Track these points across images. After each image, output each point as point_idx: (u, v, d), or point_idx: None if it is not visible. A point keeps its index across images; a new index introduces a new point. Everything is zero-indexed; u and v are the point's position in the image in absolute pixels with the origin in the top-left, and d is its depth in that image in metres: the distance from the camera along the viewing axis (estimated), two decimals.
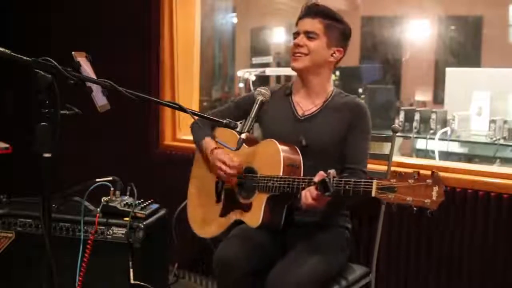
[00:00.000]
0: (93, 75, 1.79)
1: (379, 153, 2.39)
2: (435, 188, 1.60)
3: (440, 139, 4.15)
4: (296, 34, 2.18)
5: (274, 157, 2.04)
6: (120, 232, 2.45)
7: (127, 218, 2.46)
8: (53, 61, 1.52)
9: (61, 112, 1.55)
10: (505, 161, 3.90)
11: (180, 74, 3.45)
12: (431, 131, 4.24)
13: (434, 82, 7.95)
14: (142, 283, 2.40)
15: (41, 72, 1.50)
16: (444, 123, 4.25)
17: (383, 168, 2.34)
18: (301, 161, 2.07)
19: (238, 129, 1.94)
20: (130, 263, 2.41)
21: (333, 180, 1.79)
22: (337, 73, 5.04)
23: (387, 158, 2.31)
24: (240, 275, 1.97)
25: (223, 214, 2.24)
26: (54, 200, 2.52)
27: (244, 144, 2.13)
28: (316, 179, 1.84)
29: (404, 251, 2.49)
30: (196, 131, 2.38)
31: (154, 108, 3.40)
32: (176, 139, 3.45)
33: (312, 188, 1.85)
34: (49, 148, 1.52)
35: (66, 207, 2.57)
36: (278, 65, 7.31)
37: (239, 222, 2.16)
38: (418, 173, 1.64)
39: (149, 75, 3.41)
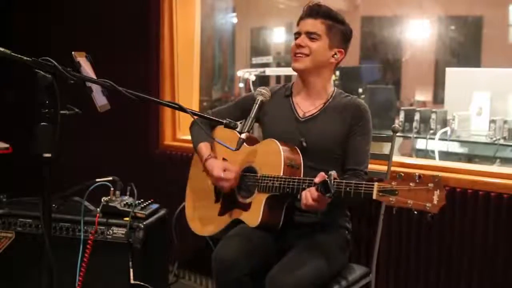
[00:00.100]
0: (93, 75, 1.79)
1: (379, 153, 2.39)
2: (436, 192, 1.60)
3: (440, 139, 4.14)
4: (297, 34, 2.17)
5: (275, 157, 2.04)
6: (120, 232, 2.45)
7: (127, 218, 2.46)
8: (53, 61, 1.52)
9: (61, 112, 1.55)
10: (505, 161, 3.90)
11: (180, 74, 3.45)
12: (431, 131, 4.24)
13: (434, 82, 7.95)
14: (142, 283, 2.40)
15: (41, 72, 1.51)
16: (444, 123, 4.25)
17: (383, 168, 2.34)
18: (302, 162, 2.07)
19: (238, 129, 1.94)
20: (130, 263, 2.41)
21: (334, 182, 1.79)
22: (337, 73, 5.02)
23: (387, 158, 2.31)
24: (238, 275, 1.97)
25: (222, 213, 2.24)
26: (54, 200, 2.52)
27: (244, 143, 2.13)
28: (317, 180, 1.84)
29: (404, 251, 2.49)
30: (194, 134, 2.37)
31: (154, 108, 3.40)
32: (176, 139, 3.45)
33: (313, 189, 1.85)
34: (49, 148, 1.52)
35: (66, 207, 2.58)
36: (278, 65, 7.29)
37: (238, 221, 2.16)
38: (419, 176, 1.64)
39: (149, 75, 3.41)
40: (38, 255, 2.38)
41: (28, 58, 1.52)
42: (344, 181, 1.81)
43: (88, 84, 1.67)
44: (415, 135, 4.36)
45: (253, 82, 5.08)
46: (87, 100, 1.70)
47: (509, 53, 7.25)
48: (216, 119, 1.94)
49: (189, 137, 2.45)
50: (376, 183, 1.72)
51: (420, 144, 4.36)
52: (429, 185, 1.61)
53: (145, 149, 3.46)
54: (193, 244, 3.03)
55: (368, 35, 8.29)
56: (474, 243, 2.33)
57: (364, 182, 1.77)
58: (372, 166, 2.40)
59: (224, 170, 2.15)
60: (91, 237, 2.44)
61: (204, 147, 2.30)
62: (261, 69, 5.36)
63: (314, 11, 2.13)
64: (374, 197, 1.71)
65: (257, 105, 2.06)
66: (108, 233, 2.46)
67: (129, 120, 3.40)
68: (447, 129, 4.14)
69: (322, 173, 1.84)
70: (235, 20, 9.48)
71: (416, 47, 7.82)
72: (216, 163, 2.20)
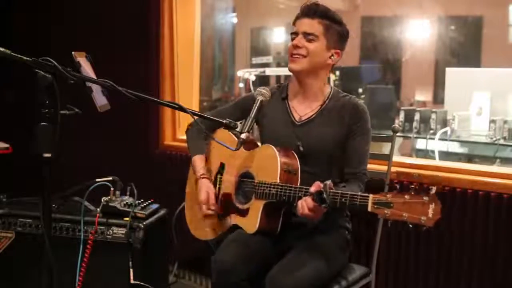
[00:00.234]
0: (93, 75, 1.79)
1: (379, 153, 2.39)
2: (432, 206, 1.58)
3: (440, 139, 4.14)
4: (294, 35, 2.13)
5: (271, 162, 2.02)
6: (120, 232, 2.45)
7: (127, 218, 2.46)
8: (53, 61, 1.52)
9: (61, 112, 1.55)
10: (505, 161, 3.90)
11: (180, 74, 3.45)
12: (431, 131, 4.24)
13: (434, 82, 7.95)
14: (142, 283, 2.40)
15: (41, 72, 1.51)
16: (444, 123, 4.24)
17: (383, 168, 2.34)
18: (299, 167, 2.04)
19: (238, 129, 1.94)
20: (130, 263, 2.41)
21: (329, 192, 1.78)
22: (337, 73, 5.03)
23: (387, 158, 2.31)
24: (236, 281, 1.96)
25: (221, 217, 2.23)
26: (54, 200, 2.52)
27: (242, 148, 2.13)
28: (312, 189, 1.83)
29: (404, 251, 2.49)
30: (190, 142, 2.37)
31: (154, 108, 3.40)
32: (176, 139, 3.45)
33: (309, 198, 1.84)
34: (49, 148, 1.52)
35: (66, 207, 2.57)
36: (278, 65, 7.30)
37: (237, 226, 2.15)
38: (415, 188, 1.62)
39: (149, 75, 3.41)
40: (38, 255, 2.38)
41: (28, 58, 1.52)
42: (339, 191, 1.79)
43: (88, 84, 1.67)
44: (415, 135, 4.36)
45: (253, 82, 5.08)
46: (87, 100, 1.70)
47: (509, 53, 7.25)
48: (216, 119, 1.94)
49: None
50: (371, 195, 1.71)
51: (420, 144, 4.36)
52: (424, 198, 1.59)
53: (145, 149, 3.46)
54: (193, 244, 3.01)
55: (368, 35, 8.29)
56: (474, 243, 2.33)
57: (359, 194, 1.76)
58: (372, 166, 2.40)
59: (208, 202, 2.18)
60: (91, 237, 2.44)
61: (198, 161, 2.29)
62: (261, 69, 5.37)
63: (311, 11, 2.10)
64: (369, 209, 1.70)
65: (257, 105, 2.03)
66: (108, 233, 2.46)
67: (129, 120, 3.40)
68: (447, 129, 4.14)
69: (318, 183, 1.83)
70: (235, 20, 9.48)
71: (416, 47, 7.82)
72: (205, 187, 2.21)
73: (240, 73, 5.48)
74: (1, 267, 2.53)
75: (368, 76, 5.56)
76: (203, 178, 2.25)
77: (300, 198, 1.89)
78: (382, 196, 1.67)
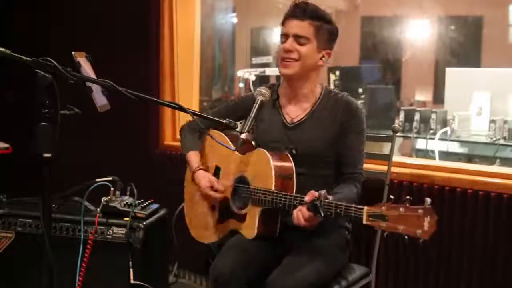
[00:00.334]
0: (93, 75, 1.79)
1: (379, 153, 2.39)
2: (427, 219, 1.56)
3: (440, 139, 4.14)
4: (284, 37, 2.07)
5: (266, 169, 2.00)
6: (120, 232, 2.45)
7: (127, 218, 2.46)
8: (53, 61, 1.52)
9: (61, 112, 1.55)
10: (505, 161, 3.89)
11: (180, 74, 3.45)
12: (431, 131, 4.23)
13: (434, 82, 7.94)
14: (142, 283, 2.40)
15: (41, 72, 1.51)
16: (444, 123, 4.24)
17: (383, 168, 2.34)
18: (294, 170, 2.02)
19: (238, 129, 1.94)
20: (130, 263, 2.41)
21: (323, 202, 1.77)
22: (337, 73, 5.03)
23: (387, 158, 2.31)
24: (236, 287, 1.96)
25: (220, 221, 2.22)
26: (54, 200, 2.52)
27: (237, 152, 2.12)
28: (307, 198, 1.82)
29: (404, 251, 2.49)
30: (184, 140, 2.36)
31: (154, 108, 3.40)
32: (176, 139, 3.45)
33: (304, 208, 1.83)
34: (49, 148, 1.52)
35: (66, 207, 2.57)
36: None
37: (236, 231, 2.14)
38: (410, 199, 1.60)
39: (149, 75, 3.41)
40: (38, 255, 2.38)
41: (28, 58, 1.52)
42: (334, 202, 1.78)
43: (88, 84, 1.67)
44: (415, 135, 4.36)
45: (253, 82, 5.08)
46: (87, 100, 1.70)
47: (509, 53, 7.24)
48: (216, 119, 1.94)
49: None
50: (365, 207, 1.69)
51: (420, 144, 4.36)
52: (419, 211, 1.58)
53: (145, 149, 3.46)
54: (193, 244, 3.02)
55: (368, 35, 8.28)
56: (474, 243, 2.33)
57: (353, 205, 1.74)
58: (372, 166, 2.40)
59: (212, 186, 2.16)
60: (91, 237, 2.44)
61: (193, 156, 2.29)
62: (261, 69, 5.36)
63: (301, 11, 2.03)
64: (364, 222, 1.69)
65: (257, 105, 2.02)
66: (108, 233, 2.46)
67: (129, 120, 3.40)
68: (447, 129, 4.14)
69: (312, 192, 1.82)
70: (235, 20, 9.47)
71: (416, 47, 7.81)
72: (202, 176, 2.20)
73: (240, 73, 5.48)
74: (1, 267, 2.53)
75: (368, 76, 5.55)
76: (199, 170, 2.23)
77: (295, 206, 1.87)
78: (377, 209, 1.66)
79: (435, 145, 4.10)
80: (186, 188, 2.42)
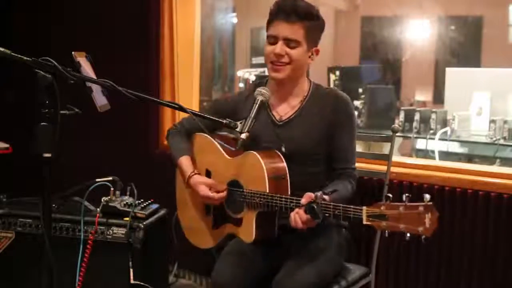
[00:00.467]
0: (93, 75, 1.79)
1: (379, 153, 2.39)
2: (428, 215, 1.55)
3: (440, 139, 4.14)
4: (273, 38, 2.00)
5: (258, 171, 1.96)
6: (120, 232, 2.45)
7: (127, 218, 2.46)
8: (53, 61, 1.53)
9: (61, 112, 1.55)
10: (505, 161, 3.90)
11: (180, 74, 3.45)
12: (431, 131, 4.23)
13: (434, 82, 7.94)
14: (142, 283, 2.40)
15: (41, 72, 1.51)
16: (444, 123, 4.24)
17: (383, 168, 2.34)
18: (286, 170, 1.99)
19: (238, 129, 1.93)
20: (130, 263, 2.41)
21: (320, 204, 1.75)
22: (337, 73, 5.02)
23: (387, 158, 2.31)
24: None
25: (215, 226, 2.21)
26: (54, 200, 2.52)
27: (226, 155, 2.11)
28: (303, 201, 1.80)
29: (404, 251, 2.49)
30: (172, 146, 2.30)
31: (154, 108, 3.40)
32: None
33: (301, 211, 1.80)
34: (49, 148, 1.52)
35: (66, 207, 2.57)
36: None
37: (233, 235, 2.12)
38: (409, 196, 1.59)
39: (149, 75, 3.41)
40: (38, 255, 2.38)
41: (28, 58, 1.52)
42: (331, 203, 1.76)
43: (88, 84, 1.67)
44: (415, 135, 4.36)
45: (253, 82, 5.08)
46: (87, 100, 1.70)
47: (509, 53, 7.24)
48: (216, 119, 1.93)
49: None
50: (364, 208, 1.68)
51: (420, 144, 4.36)
52: (420, 208, 1.57)
53: (145, 149, 3.46)
54: (193, 245, 3.02)
55: (368, 35, 8.28)
56: (474, 243, 2.33)
57: (352, 206, 1.72)
58: (372, 166, 2.40)
59: (210, 188, 2.11)
60: (91, 237, 2.44)
61: (186, 162, 2.22)
62: (261, 69, 5.36)
63: (291, 13, 1.96)
64: (364, 222, 1.68)
65: (257, 105, 1.99)
66: (108, 233, 2.46)
67: (129, 120, 3.40)
68: (447, 129, 4.14)
69: (309, 194, 1.80)
70: (235, 20, 9.47)
71: (416, 47, 7.80)
72: (199, 181, 2.14)
73: (240, 73, 5.48)
74: (1, 267, 2.53)
75: (368, 76, 5.55)
76: (194, 174, 2.16)
77: (292, 209, 1.85)
78: (376, 208, 1.65)
79: (435, 145, 4.10)
80: (179, 194, 2.37)
